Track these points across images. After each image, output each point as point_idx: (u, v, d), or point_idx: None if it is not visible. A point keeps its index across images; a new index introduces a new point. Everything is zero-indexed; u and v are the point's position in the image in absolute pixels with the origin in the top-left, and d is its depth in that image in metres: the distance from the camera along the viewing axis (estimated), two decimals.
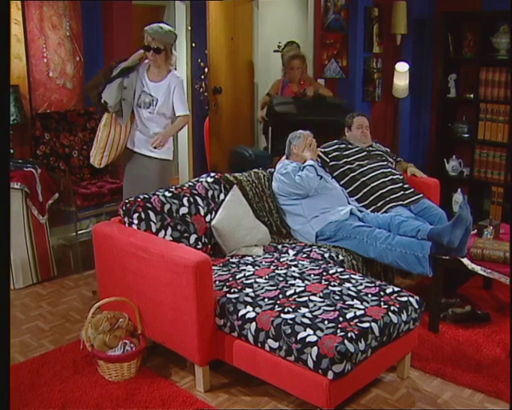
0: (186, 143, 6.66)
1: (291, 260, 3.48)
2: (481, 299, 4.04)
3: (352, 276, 3.25)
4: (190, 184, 3.76)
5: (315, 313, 2.80)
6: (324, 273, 3.27)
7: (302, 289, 3.06)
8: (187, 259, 2.91)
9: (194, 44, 6.49)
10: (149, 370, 3.21)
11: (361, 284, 3.13)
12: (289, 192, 4.01)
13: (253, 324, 2.83)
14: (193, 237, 3.50)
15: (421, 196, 4.24)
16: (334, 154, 4.40)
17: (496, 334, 3.56)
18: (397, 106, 5.69)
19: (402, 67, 5.48)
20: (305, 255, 3.60)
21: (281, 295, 2.99)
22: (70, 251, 4.75)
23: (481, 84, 5.27)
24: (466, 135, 5.50)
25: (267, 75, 6.77)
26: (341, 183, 4.28)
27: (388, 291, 3.06)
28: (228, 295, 3.01)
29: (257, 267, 3.36)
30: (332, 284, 3.12)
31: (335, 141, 4.53)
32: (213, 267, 3.25)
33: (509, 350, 3.32)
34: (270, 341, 2.76)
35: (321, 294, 3.00)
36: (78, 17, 4.93)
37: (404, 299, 3.00)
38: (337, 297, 2.97)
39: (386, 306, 2.91)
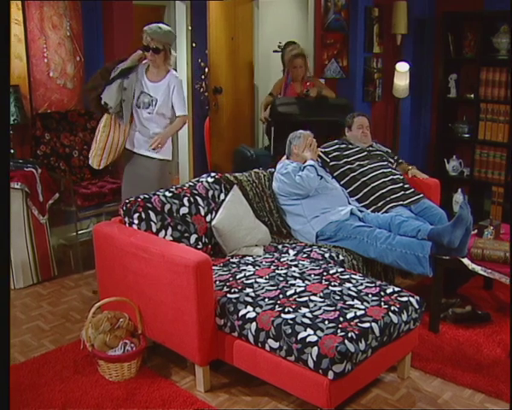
0: (186, 142, 6.67)
1: (291, 260, 3.48)
2: (482, 299, 4.04)
3: (353, 276, 3.25)
4: (191, 184, 3.76)
5: (315, 313, 2.80)
6: (325, 273, 3.27)
7: (302, 289, 3.06)
8: (187, 259, 2.92)
9: (194, 44, 6.50)
10: (150, 370, 3.21)
11: (361, 284, 3.13)
12: (290, 192, 4.01)
13: (254, 324, 2.83)
14: (193, 237, 3.50)
15: (421, 196, 4.24)
16: (335, 154, 4.40)
17: (496, 334, 3.56)
18: (397, 106, 5.69)
19: (402, 67, 5.48)
20: (305, 255, 3.60)
21: (281, 295, 2.99)
22: (70, 251, 4.75)
23: (482, 84, 5.27)
24: (466, 135, 5.50)
25: (267, 75, 6.78)
26: (342, 183, 4.28)
27: (389, 291, 3.06)
28: (228, 295, 3.01)
29: (257, 267, 3.36)
30: (332, 284, 3.12)
31: (336, 141, 4.53)
32: (214, 267, 3.25)
33: (509, 350, 3.32)
34: (270, 341, 2.76)
35: (321, 294, 3.00)
36: (79, 17, 4.93)
37: (405, 299, 3.00)
38: (337, 297, 2.97)
39: (386, 306, 2.91)
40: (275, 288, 3.07)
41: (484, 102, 5.28)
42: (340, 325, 2.70)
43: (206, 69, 6.41)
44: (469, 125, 5.46)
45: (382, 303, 2.93)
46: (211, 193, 3.72)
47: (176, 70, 4.30)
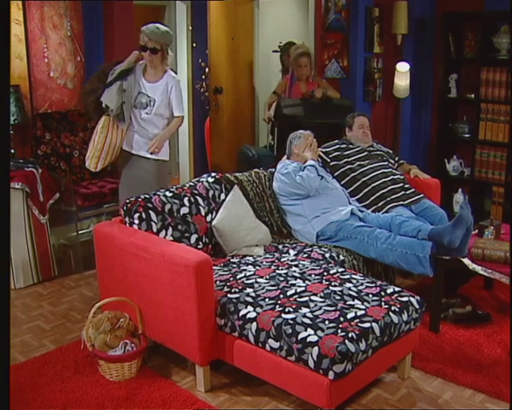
0: (187, 142, 6.67)
1: (292, 260, 3.48)
2: (482, 299, 4.04)
3: (353, 276, 3.25)
4: (191, 183, 3.76)
5: (316, 313, 2.80)
6: (325, 273, 3.27)
7: (303, 289, 3.06)
8: (188, 259, 2.92)
9: (194, 44, 6.51)
10: (150, 370, 3.21)
11: (362, 284, 3.13)
12: (290, 192, 4.01)
13: (254, 324, 2.83)
14: (194, 237, 3.50)
15: (421, 196, 4.24)
16: (335, 154, 4.40)
17: (496, 334, 3.56)
18: (397, 106, 5.69)
19: (403, 67, 5.48)
20: (305, 255, 3.60)
21: (281, 295, 2.99)
22: (71, 251, 4.75)
23: (482, 84, 5.26)
24: (467, 135, 5.50)
25: (267, 75, 6.78)
26: (342, 183, 4.28)
27: (389, 291, 3.06)
28: (229, 295, 3.01)
29: (258, 267, 3.36)
30: (333, 284, 3.12)
31: (336, 141, 4.52)
32: (214, 267, 3.25)
33: (510, 350, 3.32)
34: (270, 341, 2.76)
35: (322, 294, 3.00)
36: (79, 17, 4.93)
37: (405, 299, 3.00)
38: (338, 297, 2.97)
39: (386, 306, 2.91)
40: (275, 288, 3.07)
41: (484, 102, 5.27)
42: (340, 325, 2.70)
43: (207, 69, 6.41)
44: (470, 125, 5.46)
45: (383, 303, 2.93)
46: (211, 193, 3.72)
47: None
